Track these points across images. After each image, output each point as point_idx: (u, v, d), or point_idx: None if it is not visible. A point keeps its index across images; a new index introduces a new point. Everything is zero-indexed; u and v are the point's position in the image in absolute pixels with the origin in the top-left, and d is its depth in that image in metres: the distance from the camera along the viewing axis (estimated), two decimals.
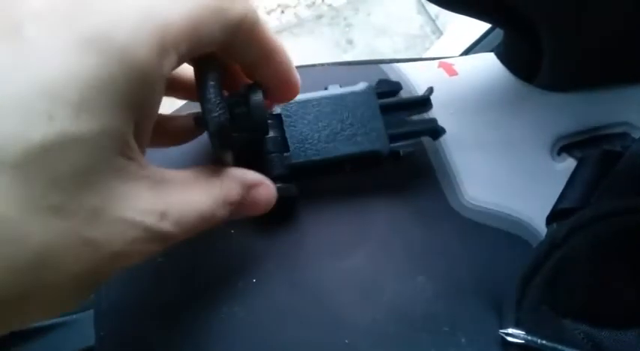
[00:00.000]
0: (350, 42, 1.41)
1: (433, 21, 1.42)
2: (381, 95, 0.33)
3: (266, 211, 0.27)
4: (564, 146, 0.39)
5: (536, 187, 0.36)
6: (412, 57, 0.42)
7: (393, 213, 0.33)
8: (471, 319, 0.31)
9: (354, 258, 0.31)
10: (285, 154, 0.30)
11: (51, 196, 0.16)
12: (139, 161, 0.20)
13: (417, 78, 0.38)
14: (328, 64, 0.39)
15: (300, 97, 0.31)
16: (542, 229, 0.35)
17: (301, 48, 1.40)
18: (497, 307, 0.32)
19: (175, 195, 0.21)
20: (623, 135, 0.39)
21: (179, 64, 0.21)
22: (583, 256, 0.33)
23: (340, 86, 0.33)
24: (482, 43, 0.58)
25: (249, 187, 0.25)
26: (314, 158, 0.30)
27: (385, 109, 0.33)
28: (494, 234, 0.34)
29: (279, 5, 1.50)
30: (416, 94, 0.38)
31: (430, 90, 0.34)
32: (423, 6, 1.46)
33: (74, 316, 0.61)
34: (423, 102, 0.34)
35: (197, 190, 0.23)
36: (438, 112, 0.36)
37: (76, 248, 0.17)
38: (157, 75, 0.19)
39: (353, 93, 0.32)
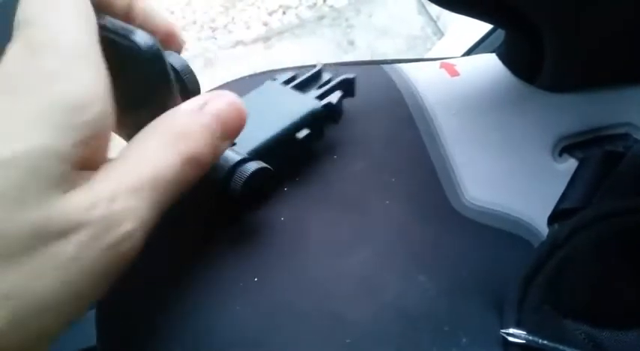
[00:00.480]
0: (351, 43, 1.41)
1: (434, 22, 1.43)
2: (289, 81, 0.36)
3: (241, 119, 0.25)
4: (566, 147, 0.39)
5: (537, 188, 0.37)
6: (413, 58, 0.42)
7: (395, 212, 0.33)
8: (472, 319, 0.31)
9: (355, 257, 0.31)
10: (234, 147, 0.29)
11: None
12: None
13: (418, 78, 0.38)
14: (330, 65, 0.39)
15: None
16: (543, 229, 0.35)
17: (303, 49, 1.41)
18: (499, 307, 0.32)
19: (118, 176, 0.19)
20: (625, 136, 0.39)
21: None
22: (584, 257, 0.33)
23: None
24: (484, 44, 0.58)
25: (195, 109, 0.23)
26: (264, 138, 0.31)
27: (300, 87, 0.35)
28: (496, 234, 0.34)
29: (280, 6, 1.50)
30: (417, 96, 0.38)
31: (322, 65, 0.37)
32: (424, 7, 1.46)
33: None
34: (318, 74, 0.37)
35: (136, 154, 0.20)
36: (439, 112, 0.36)
37: None
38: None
39: (265, 88, 0.35)
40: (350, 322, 0.29)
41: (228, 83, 0.38)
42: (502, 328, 0.31)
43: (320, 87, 0.35)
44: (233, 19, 1.49)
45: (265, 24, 1.48)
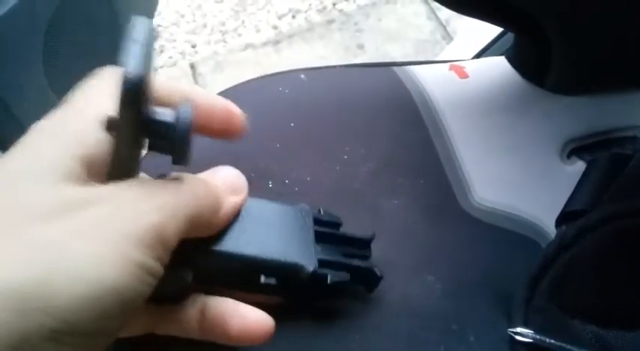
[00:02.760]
0: (360, 47, 1.42)
1: (444, 27, 1.43)
2: (319, 223, 0.30)
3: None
4: (574, 149, 0.39)
5: (545, 189, 0.37)
6: (423, 60, 0.43)
7: (403, 212, 0.34)
8: (480, 318, 0.31)
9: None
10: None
11: None
12: None
13: (428, 80, 0.39)
14: (341, 66, 0.40)
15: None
16: (551, 230, 0.35)
17: (312, 53, 1.41)
18: (506, 307, 0.32)
19: None
20: (633, 138, 0.40)
21: None
22: (591, 258, 0.33)
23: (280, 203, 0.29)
24: (493, 47, 0.58)
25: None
26: (224, 250, 0.25)
27: (321, 238, 0.29)
28: (504, 234, 0.34)
29: (290, 10, 1.51)
30: (426, 98, 0.38)
31: (373, 235, 0.30)
32: (433, 12, 1.46)
33: None
34: (362, 243, 0.30)
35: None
36: (448, 114, 0.37)
37: None
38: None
39: (290, 208, 0.29)
40: (359, 319, 0.29)
41: (239, 85, 0.39)
42: (509, 328, 0.31)
43: (345, 254, 0.29)
44: (243, 22, 1.50)
45: (275, 27, 1.48)
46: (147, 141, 0.22)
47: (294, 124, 0.36)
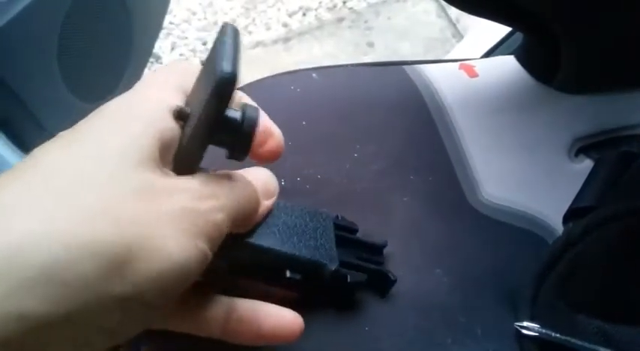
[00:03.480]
0: (370, 45, 1.42)
1: (454, 25, 1.43)
2: (337, 227, 0.31)
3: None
4: (582, 147, 0.40)
5: (553, 187, 0.37)
6: (433, 59, 0.43)
7: (413, 209, 0.34)
8: (487, 312, 0.32)
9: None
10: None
11: None
12: None
13: (438, 79, 0.39)
14: (352, 65, 0.41)
15: None
16: (558, 227, 0.36)
17: (322, 50, 1.42)
18: (513, 302, 0.33)
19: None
20: None
21: None
22: (598, 254, 0.34)
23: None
24: (503, 46, 0.59)
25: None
26: (254, 243, 0.27)
27: (339, 242, 0.30)
28: (511, 231, 0.35)
29: (300, 8, 1.52)
30: (436, 96, 0.39)
31: (385, 242, 0.32)
32: (443, 10, 1.46)
33: None
34: (377, 249, 0.32)
35: None
36: (458, 112, 0.38)
37: None
38: None
39: (314, 212, 0.30)
40: (368, 311, 0.30)
41: (251, 83, 0.40)
42: (516, 322, 0.32)
43: (360, 257, 0.31)
44: (254, 20, 1.51)
45: (285, 25, 1.49)
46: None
47: (306, 123, 0.36)
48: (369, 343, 0.29)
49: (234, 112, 0.23)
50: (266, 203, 0.27)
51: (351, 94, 0.38)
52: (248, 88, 0.38)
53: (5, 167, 0.65)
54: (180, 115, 0.23)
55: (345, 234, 0.31)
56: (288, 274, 0.28)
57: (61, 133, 0.21)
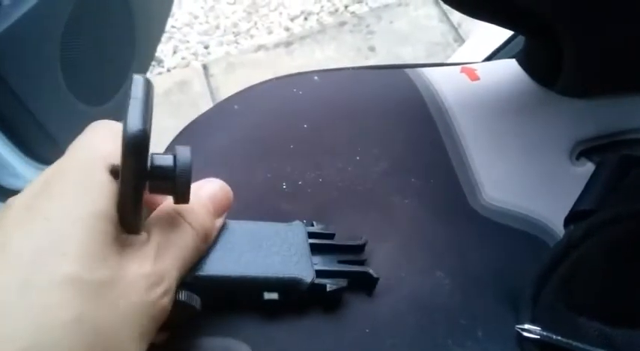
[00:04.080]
0: (372, 49, 1.42)
1: (455, 29, 1.43)
2: (313, 236, 0.31)
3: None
4: (583, 151, 0.40)
5: (554, 190, 0.37)
6: (435, 62, 0.43)
7: (415, 211, 0.34)
8: (488, 314, 0.32)
9: (377, 253, 0.32)
10: (200, 264, 0.27)
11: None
12: None
13: (439, 82, 0.39)
14: (353, 68, 0.41)
15: (231, 221, 0.30)
16: (559, 230, 0.36)
17: (323, 54, 1.42)
18: (514, 304, 0.33)
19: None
20: None
21: None
22: (599, 257, 0.34)
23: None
24: (504, 50, 0.59)
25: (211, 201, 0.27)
26: (226, 274, 0.27)
27: (316, 250, 0.30)
28: (512, 233, 0.35)
29: (302, 12, 1.52)
30: (438, 99, 0.39)
31: (365, 241, 0.32)
32: (445, 14, 1.46)
33: None
34: (355, 249, 0.32)
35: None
36: (459, 115, 0.38)
37: None
38: None
39: (284, 226, 0.31)
40: (369, 312, 0.30)
41: (253, 86, 0.40)
42: (517, 324, 0.32)
43: (341, 261, 0.31)
44: (255, 24, 1.51)
45: (287, 29, 1.49)
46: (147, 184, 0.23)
47: (308, 126, 0.36)
48: (370, 344, 0.29)
49: (165, 160, 0.23)
50: (218, 222, 0.28)
51: (353, 96, 0.39)
52: (251, 91, 0.39)
53: (9, 171, 0.65)
54: (116, 173, 0.23)
55: (321, 241, 0.31)
56: (265, 295, 0.28)
57: (13, 205, 0.22)
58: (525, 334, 0.31)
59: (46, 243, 0.20)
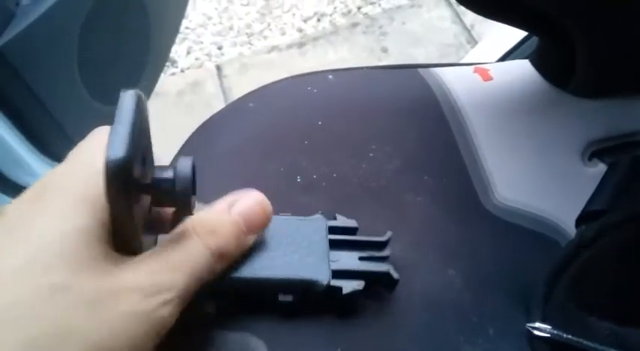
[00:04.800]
0: (385, 50, 1.43)
1: (468, 31, 1.43)
2: (334, 231, 0.31)
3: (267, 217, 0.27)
4: (595, 151, 0.40)
5: (566, 190, 0.38)
6: (448, 62, 0.44)
7: (427, 208, 0.35)
8: (499, 312, 0.32)
9: (390, 249, 0.32)
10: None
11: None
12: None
13: (452, 82, 0.40)
14: (367, 68, 0.41)
15: None
16: (571, 230, 0.36)
17: (336, 55, 1.43)
18: (525, 303, 0.33)
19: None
20: None
21: None
22: (610, 257, 0.34)
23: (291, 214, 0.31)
24: (517, 51, 0.59)
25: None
26: (241, 276, 0.27)
27: (336, 245, 0.30)
28: (524, 232, 0.35)
29: (315, 13, 1.53)
30: (451, 99, 0.39)
31: (389, 237, 0.31)
32: (458, 16, 1.46)
33: None
34: (378, 245, 0.31)
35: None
36: (472, 114, 0.38)
37: None
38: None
39: (303, 221, 0.30)
40: (382, 309, 0.31)
41: (269, 85, 0.40)
42: (528, 322, 0.32)
43: (362, 257, 0.30)
44: (269, 25, 1.52)
45: (300, 30, 1.50)
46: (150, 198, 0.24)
47: (322, 123, 0.37)
48: (382, 340, 0.30)
49: (163, 172, 0.23)
50: (249, 239, 0.27)
51: (367, 95, 0.39)
52: (266, 89, 0.39)
53: (24, 169, 0.66)
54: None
55: (343, 237, 0.30)
56: (280, 297, 0.28)
57: (5, 213, 0.22)
58: (536, 332, 0.31)
59: (31, 255, 0.20)
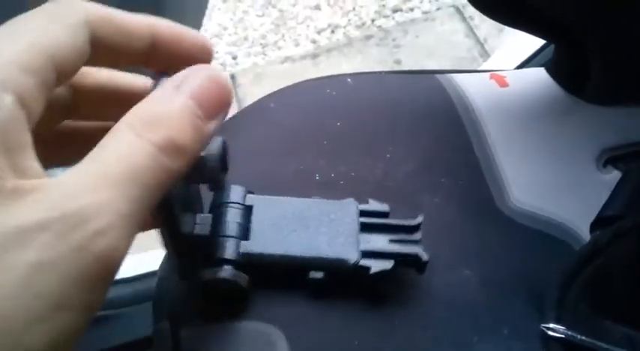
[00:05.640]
0: (398, 62, 1.44)
1: (481, 44, 1.44)
2: (365, 214, 0.31)
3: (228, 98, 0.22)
4: (610, 158, 0.40)
5: (581, 196, 0.38)
6: (464, 69, 0.44)
7: (443, 209, 0.35)
8: (513, 313, 0.32)
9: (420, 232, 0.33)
10: (243, 241, 0.29)
11: None
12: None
13: (469, 87, 0.40)
14: (385, 72, 0.42)
15: (280, 197, 0.31)
16: (585, 235, 0.36)
17: (349, 67, 1.44)
18: (538, 305, 0.33)
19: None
20: None
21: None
22: (624, 262, 0.34)
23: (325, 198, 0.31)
24: (533, 61, 0.60)
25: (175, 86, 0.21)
26: (272, 253, 0.28)
27: (367, 228, 0.30)
28: (538, 235, 0.36)
29: (329, 25, 1.54)
30: (467, 103, 0.40)
31: (421, 221, 0.31)
32: (471, 30, 1.47)
33: (130, 309, 0.65)
34: (409, 229, 0.31)
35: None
36: (488, 118, 0.38)
37: None
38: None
39: (334, 203, 0.31)
40: (398, 305, 0.31)
41: (288, 87, 0.41)
42: (542, 323, 0.32)
43: (393, 240, 0.30)
44: (283, 36, 1.54)
45: (314, 42, 1.52)
46: None
47: (340, 124, 0.38)
48: (398, 336, 0.30)
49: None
50: (209, 126, 0.21)
51: (384, 98, 0.40)
52: (286, 91, 0.40)
53: None
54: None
55: (373, 220, 0.31)
56: (310, 275, 0.29)
57: None
58: (550, 333, 0.32)
59: None
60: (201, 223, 0.29)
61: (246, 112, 0.39)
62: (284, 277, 0.29)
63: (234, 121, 0.38)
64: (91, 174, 0.17)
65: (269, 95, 0.39)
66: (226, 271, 0.27)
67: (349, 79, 0.40)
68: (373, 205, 0.32)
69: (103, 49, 0.21)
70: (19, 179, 0.16)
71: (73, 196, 0.17)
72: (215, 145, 0.24)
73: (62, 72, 0.19)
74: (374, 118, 0.38)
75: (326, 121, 0.38)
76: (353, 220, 0.30)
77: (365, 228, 0.30)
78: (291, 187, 0.33)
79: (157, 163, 0.18)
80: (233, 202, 0.30)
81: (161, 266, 0.33)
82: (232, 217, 0.29)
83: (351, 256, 0.29)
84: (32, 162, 0.18)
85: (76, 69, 0.20)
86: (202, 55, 0.24)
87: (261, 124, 0.38)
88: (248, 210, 0.30)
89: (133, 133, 0.19)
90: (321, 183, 0.35)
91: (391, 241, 0.30)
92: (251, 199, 0.31)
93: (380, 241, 0.30)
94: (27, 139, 0.18)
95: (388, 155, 0.37)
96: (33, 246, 0.15)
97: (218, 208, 0.30)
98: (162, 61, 0.23)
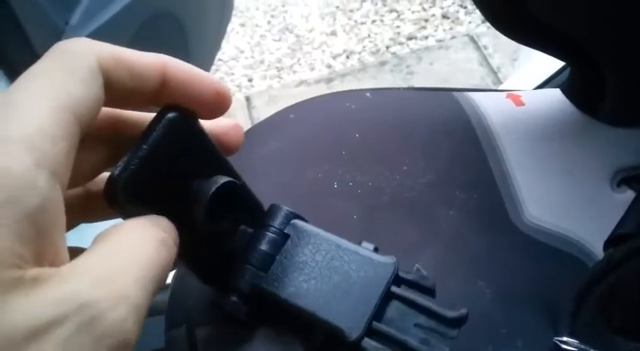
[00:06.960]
0: None
1: (495, 73, 1.46)
2: (401, 282, 0.28)
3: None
4: (624, 178, 0.41)
5: (595, 214, 0.38)
6: (481, 88, 0.45)
7: (459, 222, 0.36)
8: (527, 326, 0.33)
9: (420, 258, 0.33)
10: (261, 273, 0.27)
11: None
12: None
13: (485, 105, 0.41)
14: (404, 88, 0.43)
15: (321, 233, 0.28)
16: (597, 251, 0.37)
17: None
18: (551, 318, 0.33)
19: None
20: None
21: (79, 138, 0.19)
22: (636, 280, 0.34)
23: (374, 250, 0.28)
24: (549, 84, 0.60)
25: None
26: (281, 296, 0.26)
27: (396, 300, 0.27)
28: (552, 251, 0.36)
29: (344, 51, 1.57)
30: (483, 120, 0.41)
31: (465, 314, 0.27)
32: (485, 58, 1.49)
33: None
34: (446, 320, 0.27)
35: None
36: (503, 136, 0.39)
37: None
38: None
39: (372, 260, 0.27)
40: None
41: (309, 99, 0.42)
42: (555, 336, 0.32)
43: (418, 324, 0.26)
44: (299, 60, 1.56)
45: (329, 66, 1.54)
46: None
47: (359, 135, 0.38)
48: None
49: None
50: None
51: (402, 112, 0.41)
52: (306, 103, 0.41)
53: None
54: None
55: (408, 294, 0.27)
56: (313, 330, 0.27)
57: None
58: (564, 346, 0.32)
59: None
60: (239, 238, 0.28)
61: (266, 123, 0.40)
62: (290, 320, 0.28)
63: (255, 131, 0.39)
64: (106, 265, 0.18)
65: (289, 107, 0.40)
66: (229, 304, 0.27)
67: (368, 94, 0.41)
68: (416, 274, 0.28)
69: (115, 92, 0.21)
70: (41, 267, 0.16)
71: (90, 287, 0.17)
72: (205, 195, 0.23)
73: (84, 126, 0.19)
74: (392, 131, 0.39)
75: (345, 132, 0.39)
76: (378, 286, 0.26)
77: (394, 299, 0.27)
78: (309, 195, 0.33)
79: (161, 256, 0.20)
80: (272, 227, 0.28)
81: (175, 274, 0.34)
82: (263, 244, 0.28)
83: (353, 329, 0.25)
84: (59, 248, 0.17)
85: (95, 118, 0.20)
86: (216, 98, 0.24)
87: (281, 134, 0.39)
88: (283, 238, 0.28)
89: (139, 228, 0.20)
90: (338, 192, 0.35)
91: (417, 325, 0.26)
92: (293, 226, 0.29)
93: (403, 322, 0.26)
94: (61, 221, 0.18)
95: (405, 167, 0.37)
96: (51, 341, 0.15)
97: (260, 228, 0.29)
98: (171, 99, 0.23)
